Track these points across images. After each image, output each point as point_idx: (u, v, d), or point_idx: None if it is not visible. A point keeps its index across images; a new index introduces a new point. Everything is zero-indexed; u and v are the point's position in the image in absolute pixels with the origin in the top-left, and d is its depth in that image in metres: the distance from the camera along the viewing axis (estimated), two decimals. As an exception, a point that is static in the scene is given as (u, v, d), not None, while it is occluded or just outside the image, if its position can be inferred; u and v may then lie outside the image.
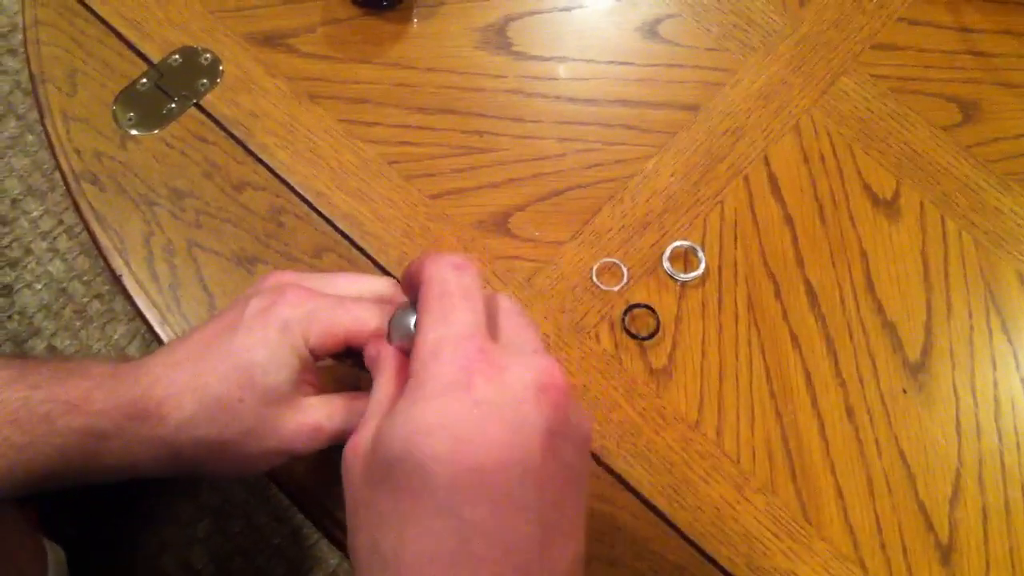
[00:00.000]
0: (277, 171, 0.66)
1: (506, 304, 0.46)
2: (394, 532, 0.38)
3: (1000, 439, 0.61)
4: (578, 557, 0.40)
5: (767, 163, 0.69)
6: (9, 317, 1.44)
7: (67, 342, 1.43)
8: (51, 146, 0.67)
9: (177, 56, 0.69)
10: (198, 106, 0.68)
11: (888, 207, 0.68)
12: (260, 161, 0.66)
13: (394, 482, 0.38)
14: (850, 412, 0.61)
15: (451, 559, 0.37)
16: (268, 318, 0.48)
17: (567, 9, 0.75)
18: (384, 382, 0.46)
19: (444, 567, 0.37)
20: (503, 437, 0.37)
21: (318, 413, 0.49)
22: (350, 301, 0.51)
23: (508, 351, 0.41)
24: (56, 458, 0.46)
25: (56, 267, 1.48)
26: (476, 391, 0.38)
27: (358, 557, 0.41)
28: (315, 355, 0.50)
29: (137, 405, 0.47)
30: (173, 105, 0.68)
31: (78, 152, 0.66)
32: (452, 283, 0.43)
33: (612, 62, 0.73)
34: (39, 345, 1.43)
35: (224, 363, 0.48)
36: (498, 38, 0.73)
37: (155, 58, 0.69)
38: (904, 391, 0.62)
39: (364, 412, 0.48)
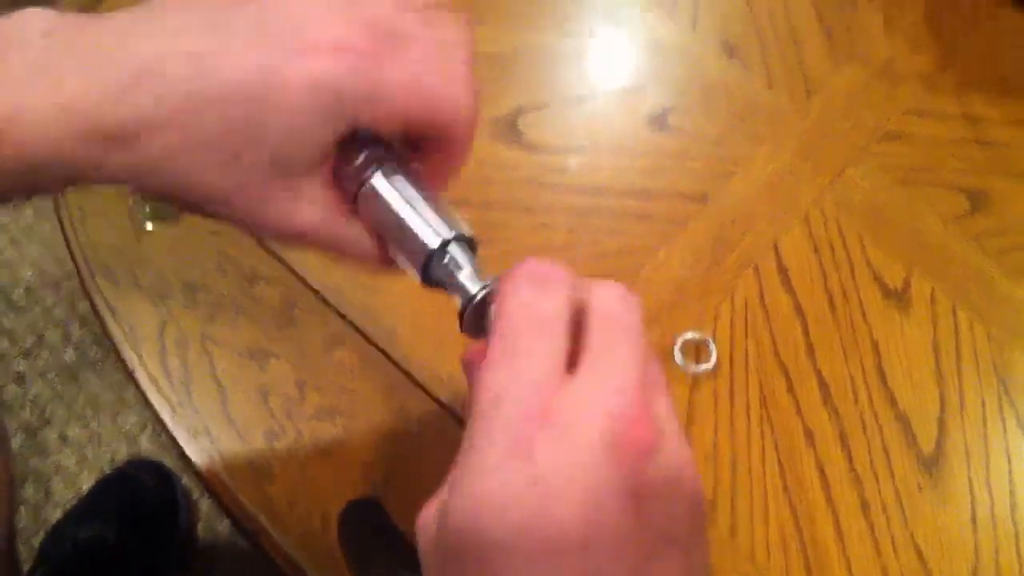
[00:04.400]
0: (290, 264, 0.67)
1: (602, 303, 0.37)
2: None
3: (1017, 535, 0.60)
4: None
5: (777, 253, 0.69)
6: (22, 406, 1.45)
7: (78, 431, 1.43)
8: (66, 239, 0.68)
9: (192, 151, 0.70)
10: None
11: (899, 298, 0.68)
12: (273, 254, 0.67)
13: (462, 566, 0.33)
14: (865, 508, 0.60)
15: None
16: (314, 68, 0.37)
17: (577, 101, 0.76)
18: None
19: None
20: (573, 516, 0.31)
21: (313, 215, 0.40)
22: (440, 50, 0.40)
23: (581, 393, 0.34)
24: None
25: (69, 356, 1.49)
26: (537, 461, 0.32)
27: None
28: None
29: (92, 125, 0.35)
30: (188, 200, 0.68)
31: (93, 246, 0.67)
32: (521, 314, 0.36)
33: (621, 153, 0.74)
34: (51, 435, 1.43)
35: (233, 97, 0.36)
36: (509, 130, 0.74)
37: (171, 153, 0.70)
38: (919, 487, 0.61)
39: (365, 239, 0.42)
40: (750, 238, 0.70)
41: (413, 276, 0.42)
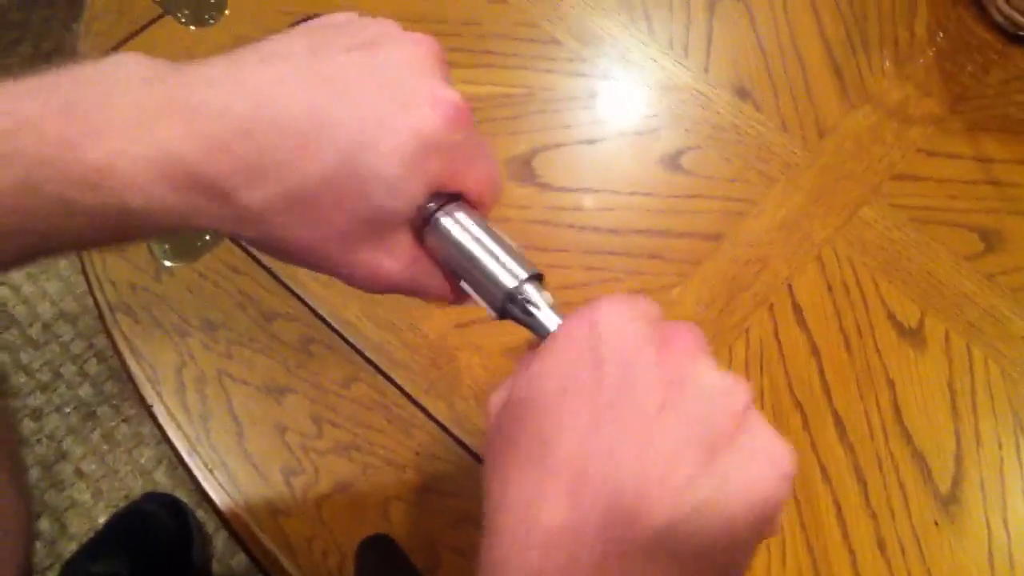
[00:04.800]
0: (308, 301, 0.67)
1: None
2: (499, 475, 0.36)
3: (1036, 573, 0.60)
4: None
5: (791, 292, 0.70)
6: (38, 441, 1.45)
7: (94, 466, 1.44)
8: (87, 278, 0.68)
9: (212, 190, 0.71)
10: (231, 238, 0.69)
11: (913, 336, 0.68)
12: (291, 292, 0.68)
13: (507, 428, 0.37)
14: (881, 545, 0.60)
15: (532, 501, 0.34)
16: (419, 119, 0.39)
17: (591, 142, 0.77)
18: None
19: (527, 508, 0.34)
20: (613, 379, 0.35)
21: (399, 264, 0.42)
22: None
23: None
24: (65, 239, 0.37)
25: (85, 391, 1.50)
26: (596, 334, 0.36)
27: (485, 503, 0.38)
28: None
29: (191, 176, 0.36)
30: (208, 237, 0.69)
31: (113, 284, 0.68)
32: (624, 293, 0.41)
33: (635, 193, 0.74)
34: (67, 469, 1.44)
35: (337, 149, 0.37)
36: (524, 170, 0.75)
37: (191, 192, 0.71)
38: (936, 523, 0.61)
39: (441, 281, 0.44)
40: (765, 277, 0.70)
41: (487, 311, 0.43)
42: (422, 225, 0.42)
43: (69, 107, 0.35)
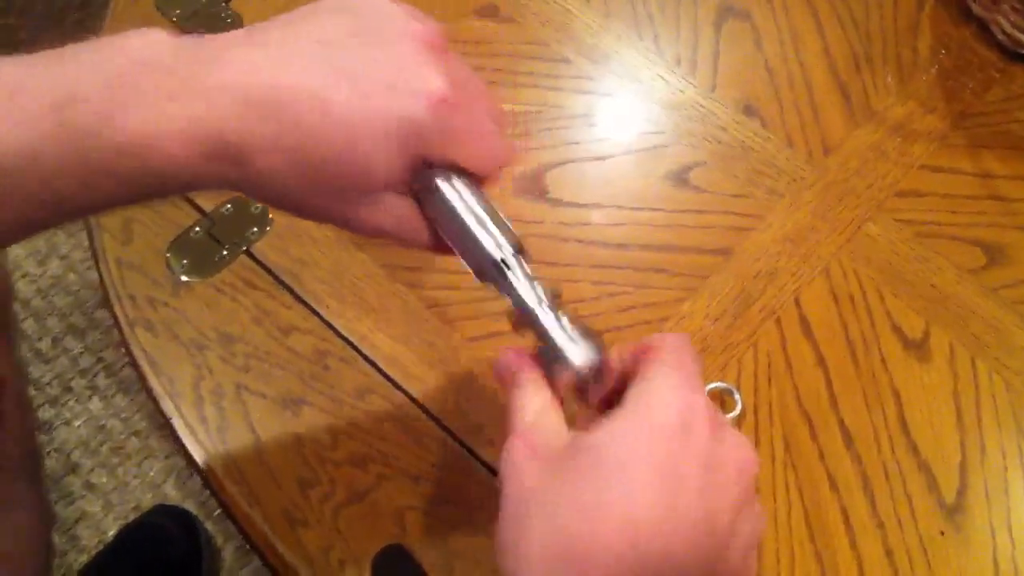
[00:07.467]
0: (323, 316, 0.68)
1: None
2: (562, 512, 0.40)
3: (1041, 581, 0.61)
4: None
5: (798, 305, 0.71)
6: (48, 454, 1.46)
7: (104, 479, 1.44)
8: (105, 292, 0.70)
9: (229, 205, 0.72)
10: (248, 253, 0.71)
11: (918, 349, 0.69)
12: (307, 306, 0.69)
13: (574, 471, 0.41)
14: (889, 554, 0.61)
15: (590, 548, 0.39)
16: (406, 109, 0.43)
17: (600, 158, 0.78)
18: (534, 389, 0.46)
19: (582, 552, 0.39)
20: (699, 475, 0.41)
21: (388, 218, 0.47)
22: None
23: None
24: (104, 199, 0.42)
25: (95, 404, 1.51)
26: (693, 443, 0.41)
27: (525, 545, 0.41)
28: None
29: (213, 143, 0.41)
30: (224, 253, 0.70)
31: (132, 298, 0.69)
32: (688, 353, 0.46)
33: (644, 208, 0.76)
34: (76, 482, 1.44)
35: (334, 139, 0.43)
36: (534, 186, 0.76)
37: (208, 207, 0.72)
38: (942, 533, 0.62)
39: (426, 234, 0.49)
40: (772, 291, 0.71)
41: (473, 276, 0.48)
42: (419, 189, 0.47)
43: (109, 83, 0.40)
